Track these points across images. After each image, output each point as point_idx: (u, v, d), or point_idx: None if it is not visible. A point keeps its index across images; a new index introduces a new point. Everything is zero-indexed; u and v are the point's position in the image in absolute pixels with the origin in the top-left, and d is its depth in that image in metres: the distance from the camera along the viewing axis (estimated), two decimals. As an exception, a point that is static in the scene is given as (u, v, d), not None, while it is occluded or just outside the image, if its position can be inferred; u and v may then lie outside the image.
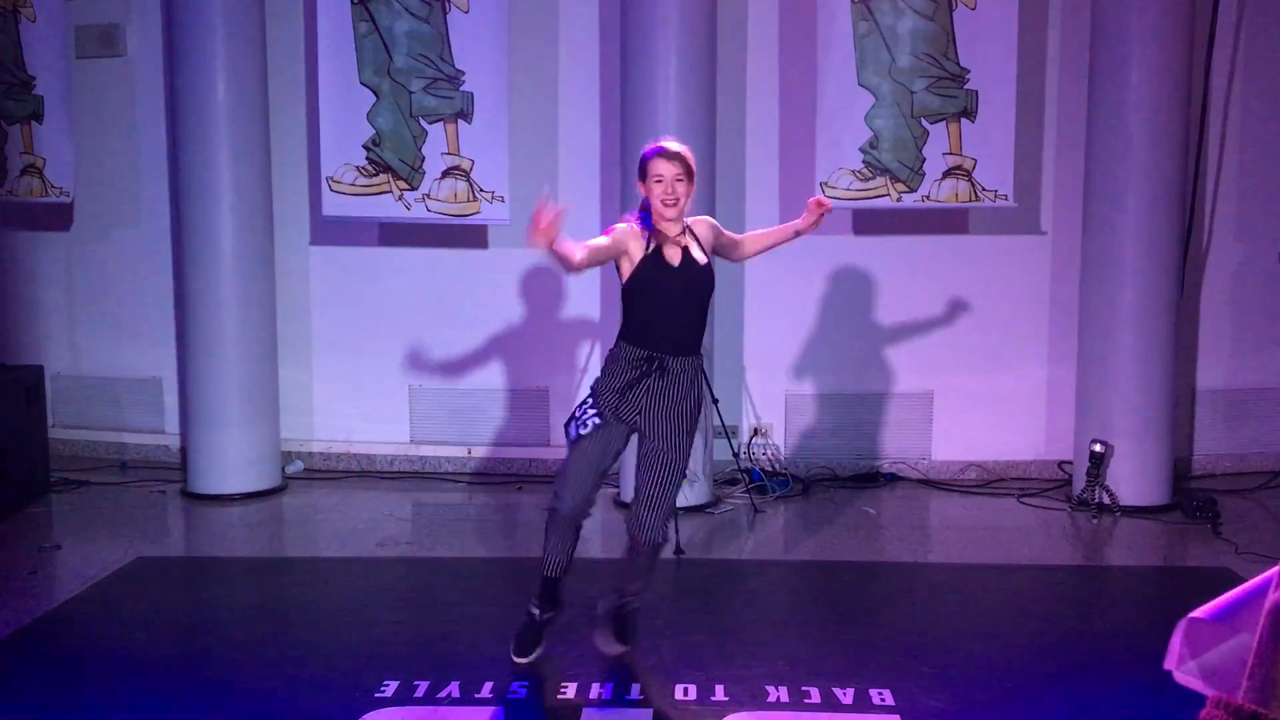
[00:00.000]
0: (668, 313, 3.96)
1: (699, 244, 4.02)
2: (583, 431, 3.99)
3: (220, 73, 6.38)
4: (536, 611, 4.20)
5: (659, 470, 4.04)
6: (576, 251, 3.79)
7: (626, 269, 3.96)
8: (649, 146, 4.02)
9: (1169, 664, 1.43)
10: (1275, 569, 0.78)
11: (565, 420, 4.09)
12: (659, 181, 3.91)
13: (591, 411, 4.00)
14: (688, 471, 6.14)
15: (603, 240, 3.95)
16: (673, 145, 3.98)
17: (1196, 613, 1.09)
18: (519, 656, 4.18)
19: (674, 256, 3.95)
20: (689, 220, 4.04)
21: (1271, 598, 0.77)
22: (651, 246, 3.94)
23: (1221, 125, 6.83)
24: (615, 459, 4.13)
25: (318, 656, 4.35)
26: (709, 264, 4.04)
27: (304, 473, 7.16)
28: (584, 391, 6.71)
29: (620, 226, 4.00)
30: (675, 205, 3.90)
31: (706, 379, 4.09)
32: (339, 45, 6.49)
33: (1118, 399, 6.28)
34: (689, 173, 3.93)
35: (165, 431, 7.40)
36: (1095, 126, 6.30)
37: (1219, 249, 6.94)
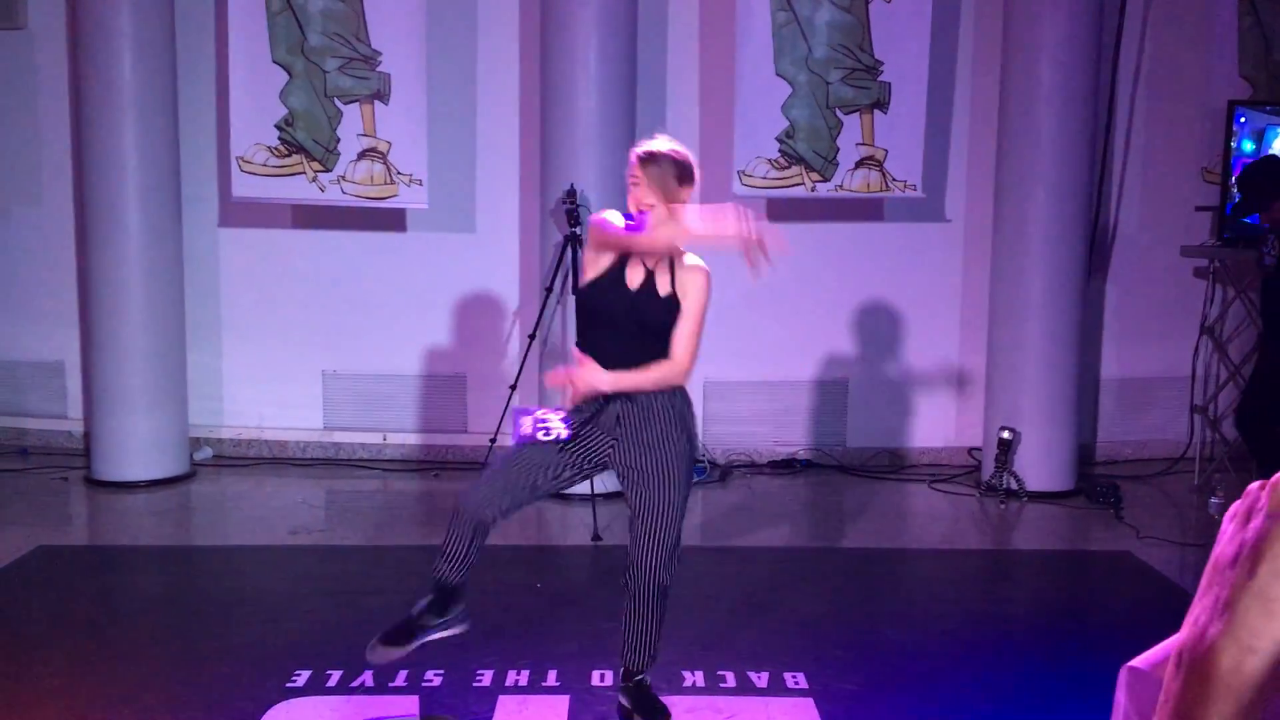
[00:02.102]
0: (614, 338, 3.39)
1: (672, 279, 3.41)
2: (540, 436, 3.35)
3: (126, 47, 6.19)
4: (421, 606, 3.55)
5: (647, 509, 3.40)
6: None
7: (589, 273, 3.46)
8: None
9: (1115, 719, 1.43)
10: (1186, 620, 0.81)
11: (523, 411, 3.43)
12: (633, 184, 3.38)
13: (562, 419, 3.37)
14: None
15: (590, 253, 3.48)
16: (656, 146, 3.39)
17: (1135, 662, 1.09)
18: (386, 645, 3.49)
19: (635, 278, 3.40)
20: (689, 261, 3.43)
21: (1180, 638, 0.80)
22: (617, 259, 3.41)
23: (1127, 120, 7.02)
24: (567, 485, 3.53)
25: (227, 647, 4.27)
26: (671, 297, 3.40)
27: (213, 460, 7.00)
28: (502, 379, 6.75)
29: (605, 218, 3.46)
30: (640, 203, 3.36)
31: (691, 423, 3.48)
32: (250, 22, 6.34)
33: (1026, 387, 6.42)
34: (673, 176, 3.34)
35: (68, 417, 7.17)
36: (1006, 119, 6.42)
37: (1124, 240, 7.13)
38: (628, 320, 3.39)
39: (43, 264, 7.10)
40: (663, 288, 3.41)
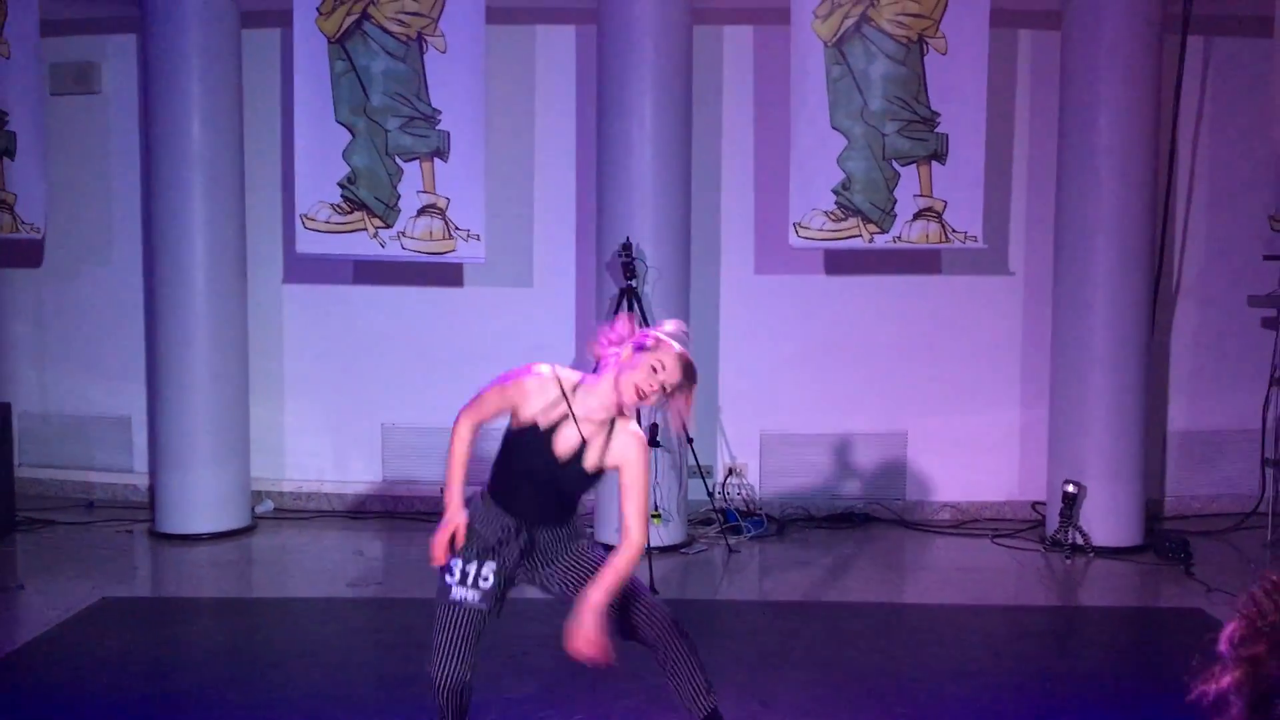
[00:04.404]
0: (532, 492, 3.38)
1: (606, 448, 3.31)
2: (467, 599, 3.34)
3: (195, 110, 6.38)
4: None
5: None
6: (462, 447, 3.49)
7: (522, 418, 3.35)
8: (663, 331, 3.32)
9: None
10: None
11: (444, 568, 3.39)
12: (654, 372, 3.19)
13: (487, 568, 3.35)
14: (660, 510, 6.17)
15: (495, 396, 3.47)
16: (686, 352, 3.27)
17: None
18: None
19: (566, 445, 3.30)
20: (630, 427, 3.34)
21: None
22: (556, 420, 3.29)
23: (1190, 168, 6.93)
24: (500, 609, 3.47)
25: (286, 698, 4.28)
26: (597, 472, 3.34)
27: (274, 513, 7.08)
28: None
29: (530, 380, 3.37)
30: (645, 401, 3.23)
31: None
32: (315, 84, 6.50)
33: (1090, 440, 6.31)
34: (689, 383, 3.24)
35: (134, 470, 7.31)
36: (1065, 169, 6.37)
37: (1188, 290, 7.01)
38: (548, 485, 3.36)
39: (111, 322, 7.28)
40: (591, 461, 3.32)
